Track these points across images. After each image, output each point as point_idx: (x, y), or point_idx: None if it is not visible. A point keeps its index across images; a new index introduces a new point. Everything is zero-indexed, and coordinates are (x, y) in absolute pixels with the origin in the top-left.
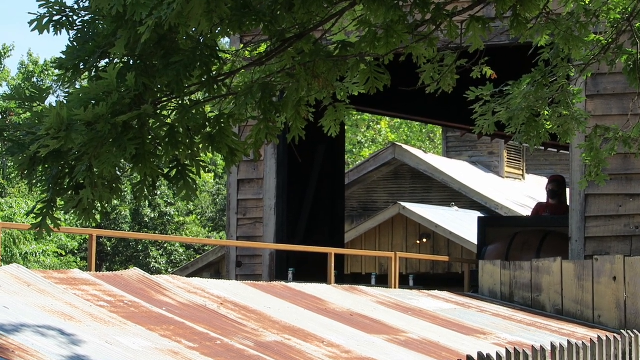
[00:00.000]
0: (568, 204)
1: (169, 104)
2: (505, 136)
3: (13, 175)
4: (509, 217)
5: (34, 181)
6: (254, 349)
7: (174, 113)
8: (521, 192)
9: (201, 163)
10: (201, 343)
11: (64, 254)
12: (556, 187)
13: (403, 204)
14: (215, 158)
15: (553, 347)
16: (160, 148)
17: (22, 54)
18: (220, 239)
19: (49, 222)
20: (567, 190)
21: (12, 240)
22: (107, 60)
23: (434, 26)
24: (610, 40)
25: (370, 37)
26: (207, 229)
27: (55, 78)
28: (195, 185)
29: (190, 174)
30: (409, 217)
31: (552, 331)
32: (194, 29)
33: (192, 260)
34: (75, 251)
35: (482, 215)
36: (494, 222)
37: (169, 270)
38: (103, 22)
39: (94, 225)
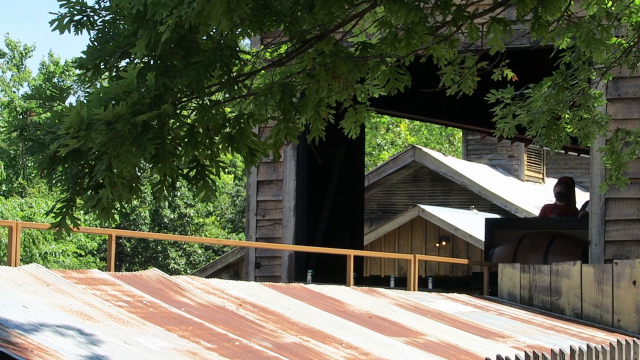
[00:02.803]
0: (577, 206)
1: (189, 104)
2: (525, 139)
3: (33, 174)
4: (516, 218)
5: (54, 180)
6: (272, 350)
7: (193, 113)
8: (541, 196)
9: (220, 163)
10: (220, 344)
11: (83, 254)
12: (564, 189)
13: (422, 206)
14: (235, 159)
15: (572, 350)
16: (179, 148)
17: (43, 54)
18: (240, 240)
19: (68, 221)
20: (577, 191)
21: (31, 240)
22: (127, 60)
23: (454, 28)
24: (631, 43)
25: (390, 39)
26: (226, 230)
27: (76, 78)
28: (215, 185)
29: (210, 174)
30: (428, 220)
31: (571, 335)
32: (214, 29)
33: (211, 261)
34: (95, 252)
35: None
36: (502, 223)
37: (188, 271)
38: (124, 22)
39: (113, 225)
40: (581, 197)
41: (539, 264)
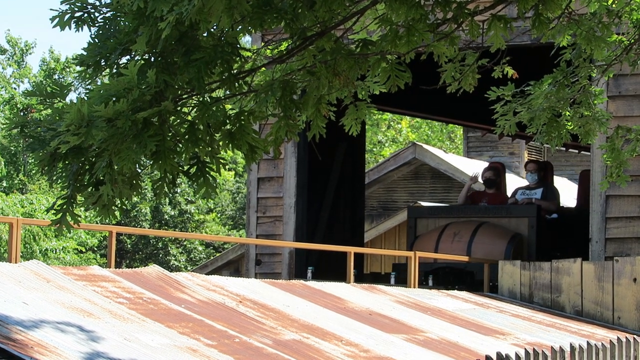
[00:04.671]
0: (508, 193)
1: (190, 101)
2: (526, 136)
3: (34, 171)
4: (441, 206)
5: (54, 177)
6: (272, 347)
7: (194, 110)
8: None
9: (221, 160)
10: (220, 341)
11: (83, 250)
12: (493, 175)
13: (423, 203)
14: (235, 156)
15: (572, 348)
16: (180, 145)
17: (44, 51)
18: (240, 237)
19: (68, 218)
20: (514, 178)
21: (32, 236)
22: (128, 57)
23: (455, 25)
24: (632, 40)
25: (391, 36)
26: (227, 227)
27: (77, 75)
28: (215, 182)
29: (210, 171)
30: None
31: (572, 332)
32: (215, 26)
33: (212, 258)
34: (95, 248)
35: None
36: (425, 212)
37: (189, 267)
38: (124, 19)
39: (113, 222)
40: (516, 184)
41: (462, 254)
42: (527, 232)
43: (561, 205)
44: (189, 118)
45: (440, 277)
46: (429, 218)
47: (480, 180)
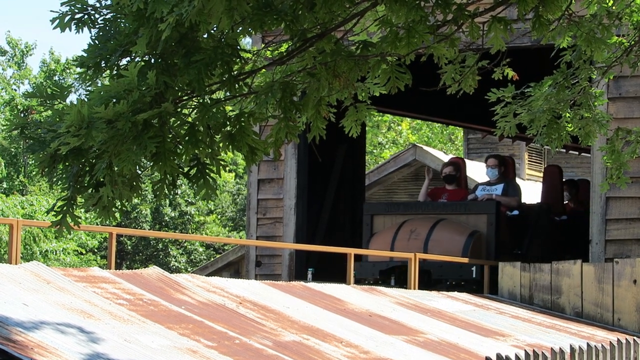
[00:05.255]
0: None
1: (190, 103)
2: (526, 138)
3: (34, 172)
4: (398, 203)
5: (55, 179)
6: (272, 349)
7: (194, 111)
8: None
9: (221, 162)
10: (220, 342)
11: (84, 252)
12: (453, 170)
13: None
14: (236, 157)
15: (572, 349)
16: (180, 146)
17: (44, 52)
18: (240, 238)
19: (69, 219)
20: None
21: (32, 238)
22: (128, 58)
23: (455, 27)
24: (632, 42)
25: (391, 37)
26: (227, 228)
27: (77, 76)
28: (215, 184)
29: (211, 173)
30: None
31: (572, 334)
32: (215, 28)
33: (212, 259)
34: (95, 250)
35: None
36: (382, 208)
37: (189, 269)
38: (124, 20)
39: (114, 223)
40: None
41: (419, 252)
42: (486, 229)
43: (523, 201)
44: (189, 119)
45: (397, 276)
46: (386, 215)
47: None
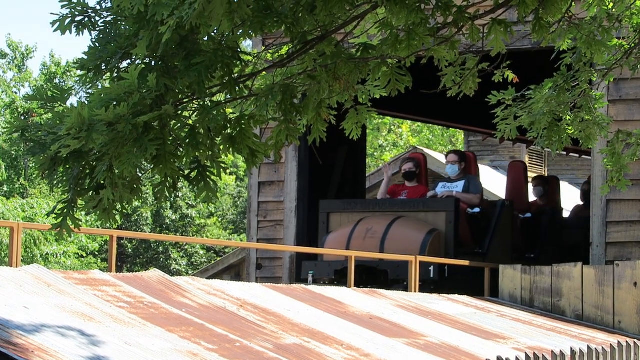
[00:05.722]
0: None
1: (190, 105)
2: (527, 141)
3: (34, 175)
4: (356, 200)
5: (55, 181)
6: (273, 352)
7: (195, 114)
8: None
9: (222, 164)
10: (220, 345)
11: (84, 255)
12: (413, 167)
13: None
14: (236, 160)
15: (573, 352)
16: (181, 149)
17: (45, 55)
18: (241, 241)
19: (69, 222)
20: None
21: (33, 241)
22: (128, 61)
23: (455, 29)
24: (633, 44)
25: (392, 40)
26: (228, 231)
27: (77, 79)
28: (216, 186)
29: (211, 175)
30: None
31: (572, 336)
32: (215, 30)
33: (213, 262)
34: (96, 253)
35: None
36: (338, 206)
37: (190, 272)
38: (125, 23)
39: (114, 226)
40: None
41: (375, 251)
42: (445, 227)
43: (485, 198)
44: (190, 122)
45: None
46: (343, 213)
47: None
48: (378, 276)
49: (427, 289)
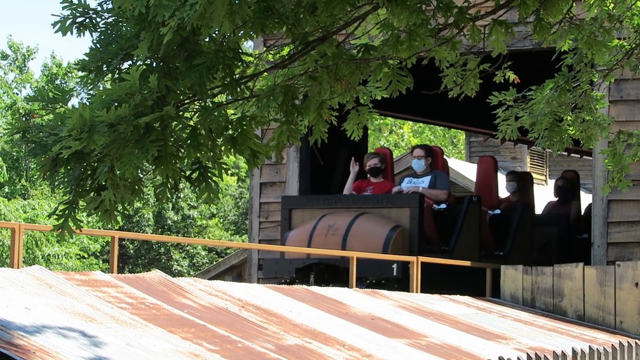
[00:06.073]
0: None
1: (192, 106)
2: (528, 141)
3: (36, 176)
4: (319, 196)
5: (56, 182)
6: (274, 352)
7: (196, 115)
8: (544, 197)
9: (223, 165)
10: (222, 346)
11: (86, 256)
12: (379, 162)
13: None
14: (238, 161)
15: (574, 352)
16: (182, 150)
17: (46, 56)
18: (243, 242)
19: (70, 223)
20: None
21: (34, 242)
22: (130, 62)
23: (456, 30)
24: (633, 45)
25: (393, 41)
26: (229, 232)
27: (78, 80)
28: (217, 187)
29: (212, 176)
30: None
31: (574, 337)
32: (216, 31)
33: (214, 263)
34: (98, 254)
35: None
36: (300, 202)
37: (191, 273)
38: (126, 24)
39: (116, 227)
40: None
41: (337, 248)
42: (409, 223)
43: (452, 194)
44: (191, 123)
45: (315, 274)
46: (305, 209)
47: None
48: (340, 274)
49: (391, 287)
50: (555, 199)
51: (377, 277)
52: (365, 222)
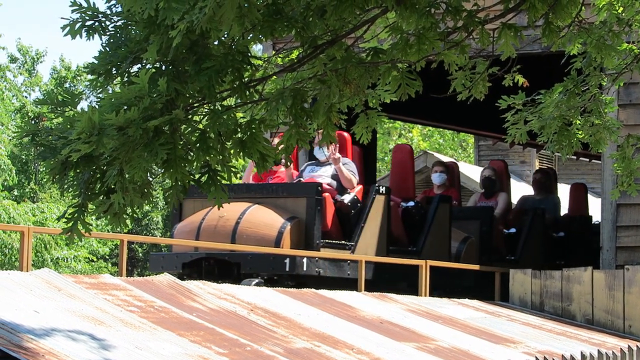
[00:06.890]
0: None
1: (201, 109)
2: (537, 145)
3: (45, 180)
4: None
5: (66, 186)
6: (283, 356)
7: (205, 118)
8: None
9: (232, 168)
10: (231, 349)
11: (95, 259)
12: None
13: None
14: (247, 164)
15: (583, 356)
16: (191, 153)
17: (55, 59)
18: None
19: (80, 226)
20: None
21: (43, 245)
22: (139, 65)
23: (465, 33)
24: None
25: (402, 44)
26: None
27: (88, 83)
28: (226, 190)
29: (221, 179)
30: None
31: (582, 340)
32: (225, 34)
33: None
34: (107, 257)
35: None
36: (191, 191)
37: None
38: (135, 27)
39: (125, 230)
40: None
41: (226, 241)
42: (305, 215)
43: (359, 184)
44: (200, 126)
45: (204, 269)
46: (196, 199)
47: None
48: (230, 269)
49: (283, 284)
50: (481, 191)
51: (270, 273)
52: (258, 213)
